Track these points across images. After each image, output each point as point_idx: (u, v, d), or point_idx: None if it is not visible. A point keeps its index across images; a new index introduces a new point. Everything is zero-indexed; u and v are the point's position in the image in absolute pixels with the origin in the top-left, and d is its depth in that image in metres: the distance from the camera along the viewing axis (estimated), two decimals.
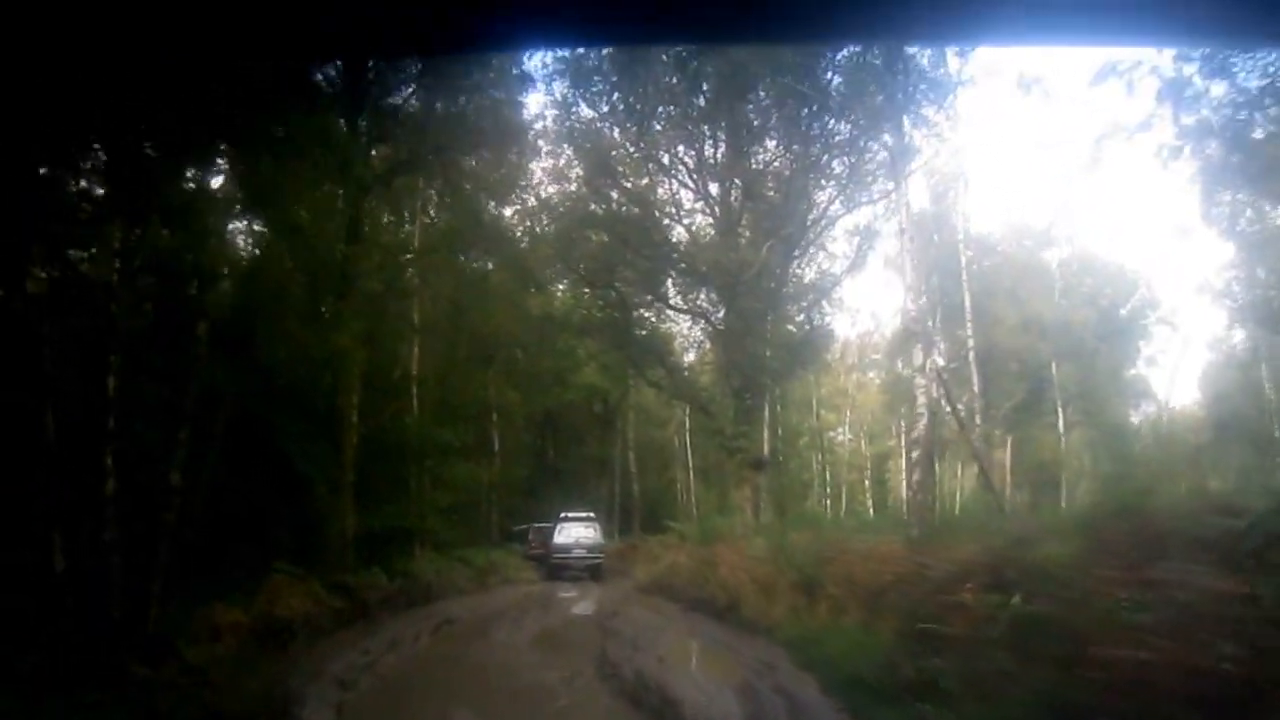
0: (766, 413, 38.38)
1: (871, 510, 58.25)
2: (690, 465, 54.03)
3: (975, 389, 37.19)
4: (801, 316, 39.68)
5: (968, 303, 37.30)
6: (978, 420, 35.93)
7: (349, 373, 24.00)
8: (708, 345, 41.66)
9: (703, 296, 38.93)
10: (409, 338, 29.38)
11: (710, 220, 37.78)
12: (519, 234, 37.29)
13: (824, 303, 40.20)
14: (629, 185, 36.82)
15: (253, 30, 2.41)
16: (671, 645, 16.74)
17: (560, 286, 41.52)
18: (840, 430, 71.01)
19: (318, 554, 20.56)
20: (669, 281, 39.13)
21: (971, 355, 37.15)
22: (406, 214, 31.12)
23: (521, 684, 14.29)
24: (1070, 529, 12.75)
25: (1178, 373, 75.74)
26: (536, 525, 37.43)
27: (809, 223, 36.86)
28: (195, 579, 15.85)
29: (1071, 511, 16.82)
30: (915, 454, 22.67)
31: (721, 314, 37.33)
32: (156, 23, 2.38)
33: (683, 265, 37.57)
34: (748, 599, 18.76)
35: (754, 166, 36.69)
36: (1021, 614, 10.36)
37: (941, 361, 32.45)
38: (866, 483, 67.46)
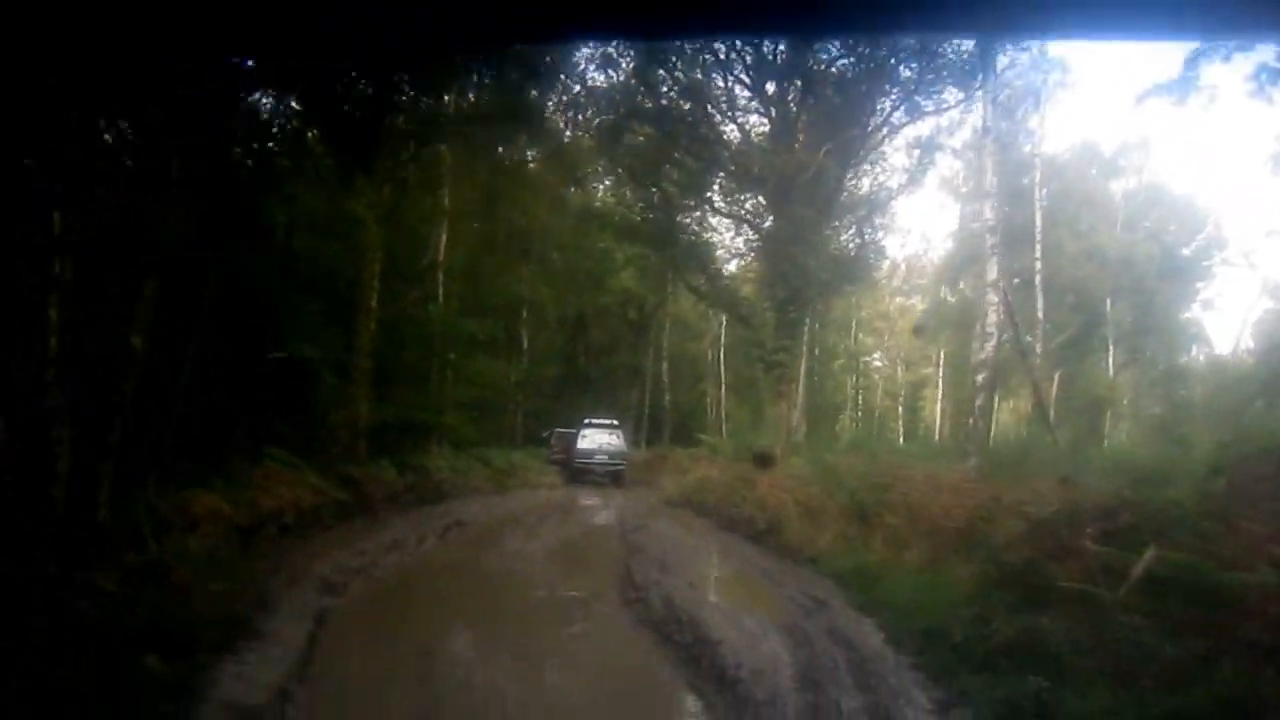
0: (806, 329, 36.04)
1: (902, 438, 55.99)
2: (723, 380, 51.63)
3: (1039, 315, 34.45)
4: (853, 230, 37.00)
5: (1039, 222, 34.38)
6: (1037, 350, 33.33)
7: (366, 250, 21.81)
8: (750, 256, 38.99)
9: (750, 202, 36.36)
10: (437, 221, 27.02)
11: (765, 121, 34.84)
12: (562, 123, 34.50)
13: (876, 217, 37.44)
14: (682, 77, 33.91)
15: (257, 28, 2.27)
16: (704, 569, 14.68)
17: (603, 185, 38.91)
18: (877, 355, 68.68)
19: (321, 444, 18.61)
20: (716, 185, 36.51)
21: (1038, 279, 34.35)
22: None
23: (531, 601, 12.26)
24: (1199, 471, 10.38)
25: (1234, 318, 72.21)
26: (559, 430, 35.85)
27: (870, 129, 34.02)
28: (175, 463, 13.84)
29: (1179, 452, 14.32)
30: (981, 377, 20.26)
31: (770, 221, 34.79)
32: (156, 22, 2.23)
33: (732, 167, 34.92)
34: (790, 522, 16.59)
35: (815, 65, 33.64)
36: (1158, 570, 8.07)
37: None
38: (900, 409, 65.32)
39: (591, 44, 30.23)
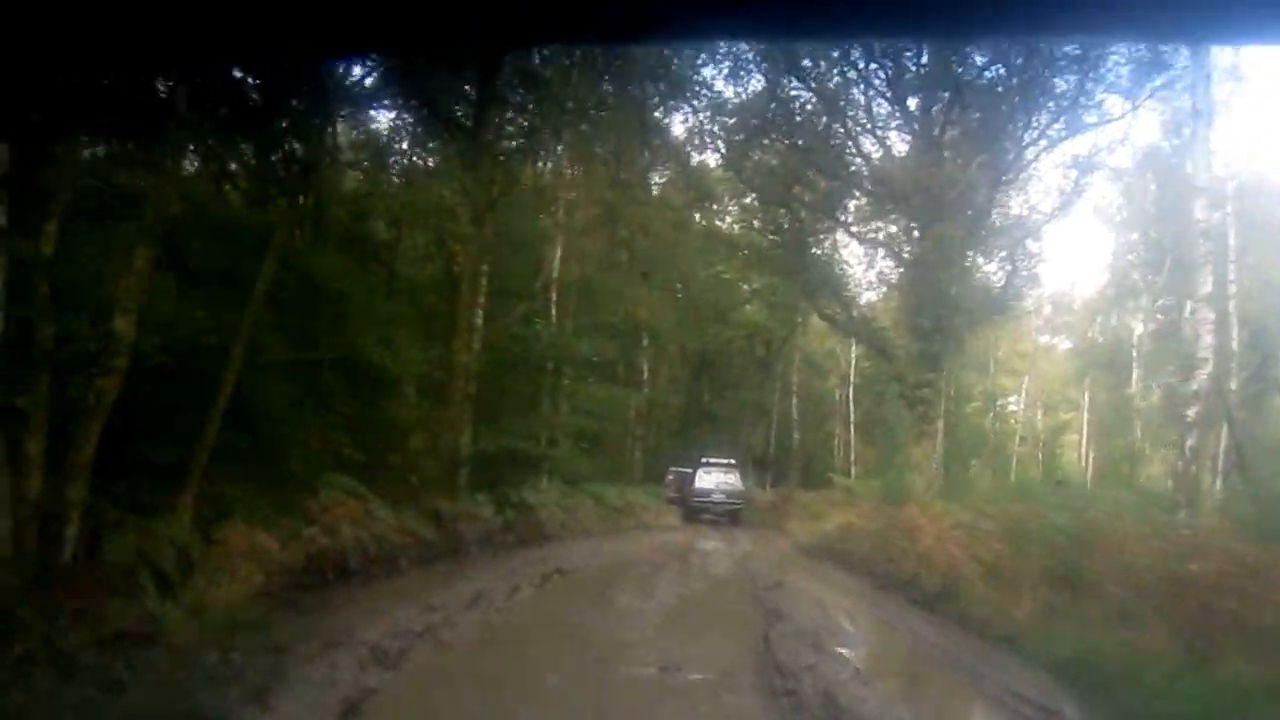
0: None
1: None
2: (852, 419, 47.41)
3: (1234, 346, 29.59)
4: (1003, 255, 32.80)
5: (1231, 241, 29.65)
6: (1232, 385, 28.57)
7: (470, 261, 18.99)
8: (888, 284, 35.07)
9: (890, 226, 32.59)
10: (551, 237, 24.07)
11: (907, 136, 31.13)
12: (685, 138, 31.36)
13: (1029, 242, 33.13)
14: (817, 89, 30.50)
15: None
16: (869, 646, 11.05)
17: (730, 207, 35.60)
18: (1012, 398, 63.34)
19: (399, 472, 15.61)
20: (851, 206, 32.92)
21: (1232, 306, 29.57)
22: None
23: (640, 684, 8.80)
24: None
25: None
26: (676, 469, 33.15)
27: (1023, 144, 30.00)
28: (210, 485, 10.97)
29: None
30: (1192, 412, 16.14)
31: (912, 244, 31.02)
32: (154, 18, 1.93)
33: (871, 186, 31.28)
34: (970, 585, 12.81)
35: (963, 76, 29.83)
36: None
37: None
38: (1040, 455, 59.83)
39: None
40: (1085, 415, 54.05)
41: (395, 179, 22.58)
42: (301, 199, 13.83)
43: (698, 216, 34.77)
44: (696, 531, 26.95)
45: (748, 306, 42.07)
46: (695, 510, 29.94)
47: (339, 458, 13.68)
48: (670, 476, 33.49)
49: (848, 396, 48.06)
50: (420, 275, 19.73)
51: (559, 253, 23.91)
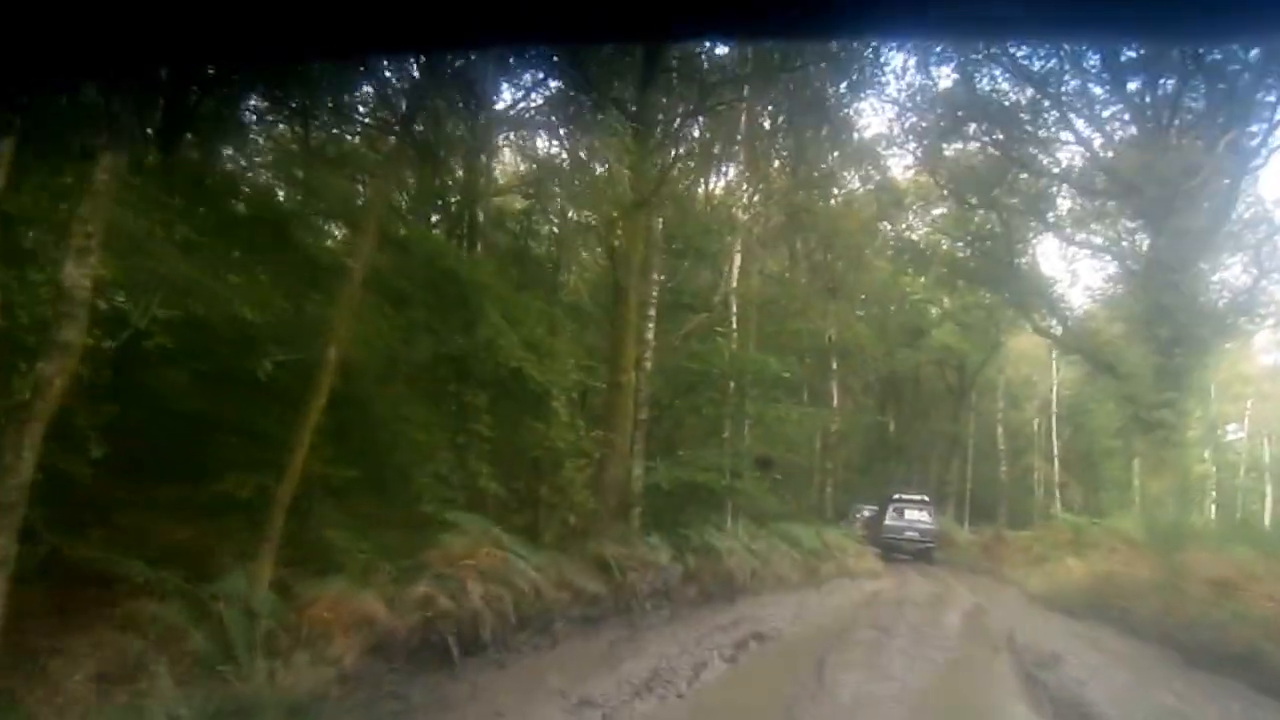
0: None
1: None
2: (1055, 452, 41.64)
3: None
4: (1248, 256, 27.40)
5: None
6: None
7: (637, 267, 15.75)
8: (1112, 290, 29.96)
9: (1109, 228, 27.70)
10: (730, 243, 20.55)
11: (1128, 123, 26.27)
12: (873, 136, 27.41)
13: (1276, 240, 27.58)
14: (1019, 74, 26.07)
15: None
16: None
17: (923, 216, 31.30)
18: (1234, 425, 55.51)
19: (547, 508, 12.29)
20: (1063, 206, 28.20)
21: None
22: None
23: None
24: None
25: None
26: (861, 508, 29.85)
27: (1273, 124, 24.74)
28: (291, 530, 7.90)
29: None
30: None
31: (1137, 246, 26.16)
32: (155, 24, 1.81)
33: (1086, 182, 26.59)
34: None
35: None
36: None
37: None
38: (1268, 490, 51.96)
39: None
40: None
41: (557, 185, 19.74)
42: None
43: (888, 226, 30.55)
44: (904, 578, 22.68)
45: (938, 330, 37.38)
46: (887, 549, 26.27)
47: (473, 491, 10.43)
48: (858, 515, 29.73)
49: (1049, 427, 42.37)
50: (582, 281, 16.56)
51: (738, 261, 20.35)
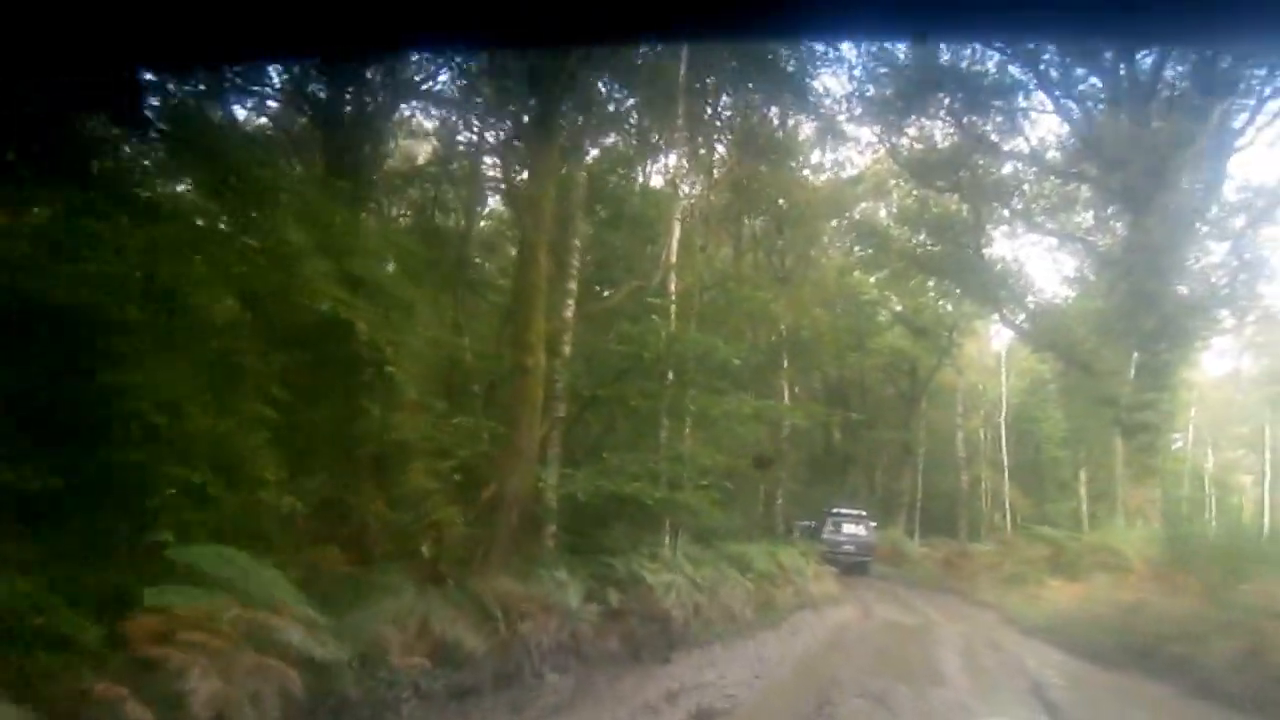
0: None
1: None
2: (1005, 462, 38.25)
3: None
4: (1228, 246, 24.07)
5: None
6: None
7: (540, 202, 11.81)
8: (1086, 280, 26.60)
9: (1083, 211, 24.34)
10: (666, 215, 16.66)
11: (1103, 97, 22.85)
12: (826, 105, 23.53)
13: (1263, 227, 24.30)
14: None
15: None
16: None
17: (879, 201, 27.75)
18: (1179, 436, 52.66)
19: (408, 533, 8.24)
20: (1034, 189, 24.71)
21: None
22: None
23: None
24: None
25: None
26: (800, 523, 26.95)
27: (1265, 97, 21.50)
28: None
29: None
30: None
31: (1112, 234, 22.82)
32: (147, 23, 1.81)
33: (1058, 161, 23.18)
34: None
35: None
36: None
37: None
38: (1210, 499, 49.21)
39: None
40: (1268, 454, 43.03)
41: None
42: None
43: (845, 212, 26.98)
44: (866, 603, 18.96)
45: (889, 332, 33.88)
46: (825, 561, 22.87)
47: (257, 506, 6.37)
48: (795, 533, 26.41)
49: (997, 436, 39.11)
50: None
51: (677, 232, 16.43)
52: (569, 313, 13.91)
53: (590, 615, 9.35)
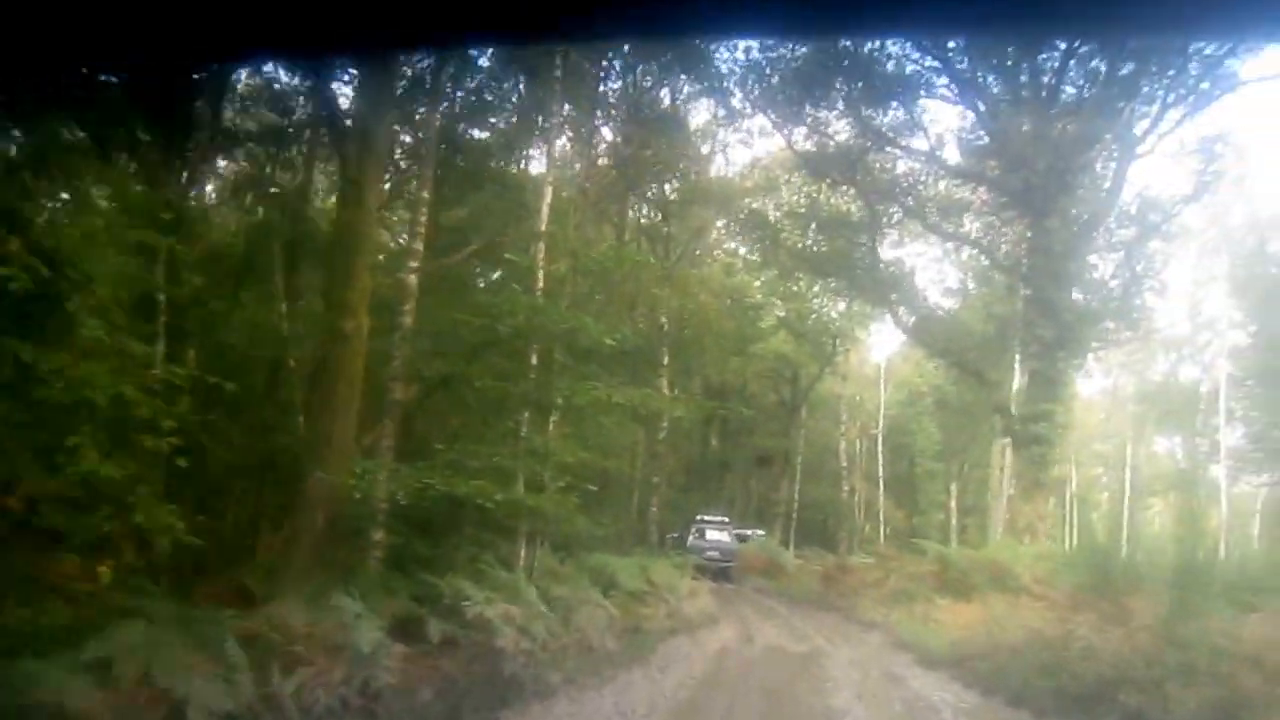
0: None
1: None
2: (880, 474, 36.97)
3: None
4: (1119, 256, 22.89)
5: None
6: None
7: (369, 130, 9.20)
8: (982, 285, 25.21)
9: (981, 214, 22.83)
10: (538, 180, 14.17)
11: (1003, 94, 21.35)
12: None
13: (1154, 240, 23.26)
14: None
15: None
16: None
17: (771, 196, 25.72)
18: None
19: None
20: (931, 189, 23.11)
21: None
22: None
23: None
24: None
25: None
26: (671, 535, 25.75)
27: (1167, 103, 20.28)
28: None
29: None
30: None
31: (1019, 233, 21.32)
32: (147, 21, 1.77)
33: (958, 160, 21.67)
34: None
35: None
36: None
37: None
38: (1069, 519, 49.18)
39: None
40: (1128, 473, 42.81)
41: None
42: None
43: (735, 205, 24.94)
44: (744, 622, 16.87)
45: (773, 337, 32.09)
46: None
47: None
48: (669, 541, 25.14)
49: (872, 448, 37.86)
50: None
51: (549, 197, 13.92)
52: (412, 277, 11.29)
53: (394, 658, 6.75)
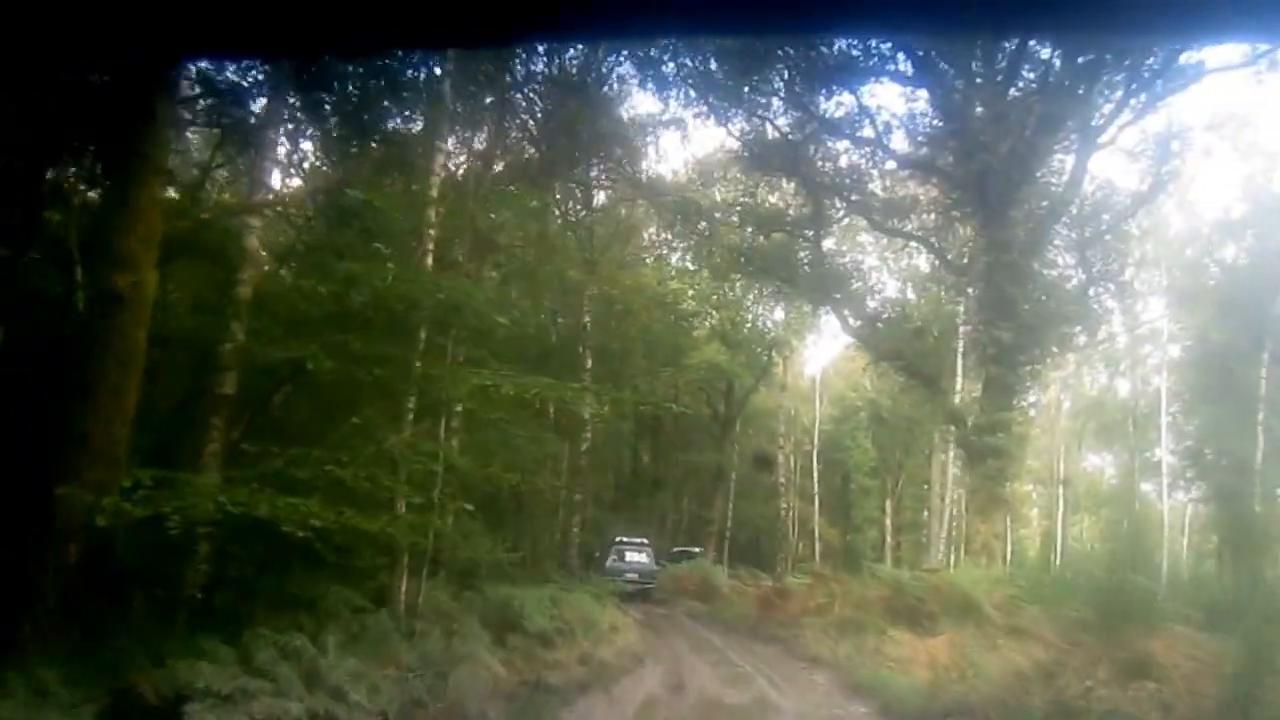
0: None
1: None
2: (816, 491, 34.61)
3: None
4: (1073, 257, 20.92)
5: None
6: None
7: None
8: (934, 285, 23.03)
9: (931, 208, 20.66)
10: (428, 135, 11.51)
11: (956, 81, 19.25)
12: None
13: (1109, 240, 21.32)
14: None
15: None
16: None
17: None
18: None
19: None
20: (878, 183, 20.90)
21: None
22: None
23: None
24: None
25: None
26: (595, 557, 24.23)
27: (1125, 97, 18.32)
28: None
29: None
30: None
31: (972, 230, 19.22)
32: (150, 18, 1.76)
33: (909, 150, 19.49)
34: None
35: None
36: None
37: None
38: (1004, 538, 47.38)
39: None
40: (1061, 489, 41.03)
41: None
42: None
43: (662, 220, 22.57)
44: (674, 658, 14.21)
45: (706, 346, 29.68)
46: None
47: None
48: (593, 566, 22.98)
49: (807, 464, 35.55)
50: None
51: (440, 160, 11.25)
52: (254, 237, 8.52)
53: None
